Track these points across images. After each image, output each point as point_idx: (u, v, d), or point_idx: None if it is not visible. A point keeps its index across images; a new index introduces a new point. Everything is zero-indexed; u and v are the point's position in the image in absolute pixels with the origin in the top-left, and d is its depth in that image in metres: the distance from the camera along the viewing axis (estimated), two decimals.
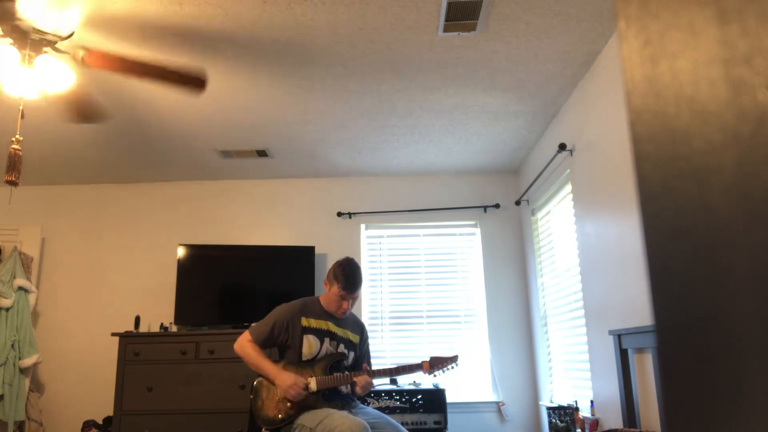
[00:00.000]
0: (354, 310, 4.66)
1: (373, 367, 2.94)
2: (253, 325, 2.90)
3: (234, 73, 3.29)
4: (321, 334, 2.83)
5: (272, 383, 2.74)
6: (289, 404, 2.71)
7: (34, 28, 2.55)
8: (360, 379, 2.74)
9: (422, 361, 2.86)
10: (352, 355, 2.92)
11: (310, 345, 2.79)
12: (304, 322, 2.83)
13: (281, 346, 2.85)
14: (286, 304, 2.92)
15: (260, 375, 2.80)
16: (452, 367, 2.88)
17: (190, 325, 4.56)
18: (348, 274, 2.83)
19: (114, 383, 4.70)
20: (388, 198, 5.08)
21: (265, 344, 2.81)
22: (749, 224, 0.34)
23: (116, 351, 4.80)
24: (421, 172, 5.05)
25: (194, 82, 2.78)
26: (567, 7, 2.74)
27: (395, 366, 2.82)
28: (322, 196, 5.10)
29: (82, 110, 3.13)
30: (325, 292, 2.92)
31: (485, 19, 2.81)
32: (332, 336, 2.85)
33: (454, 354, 2.93)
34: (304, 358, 2.78)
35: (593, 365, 3.41)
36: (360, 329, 3.04)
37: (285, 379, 2.68)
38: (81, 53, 2.66)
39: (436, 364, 2.85)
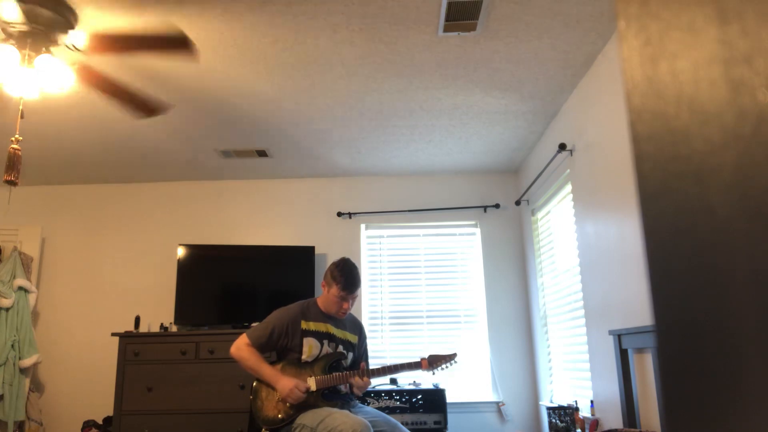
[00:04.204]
0: (354, 310, 4.67)
1: (372, 367, 2.95)
2: (251, 328, 2.89)
3: (234, 73, 3.29)
4: (320, 336, 2.83)
5: (272, 388, 2.74)
6: (288, 404, 2.71)
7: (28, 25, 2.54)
8: (357, 381, 2.74)
9: (421, 359, 2.86)
10: (350, 355, 2.92)
11: (310, 348, 2.79)
12: (304, 325, 2.82)
13: (280, 350, 2.85)
14: (285, 308, 2.90)
15: (258, 379, 2.79)
16: (451, 365, 2.89)
17: (190, 325, 4.56)
18: (346, 274, 2.82)
19: (114, 383, 4.70)
20: (388, 198, 5.08)
21: (263, 349, 2.80)
22: (749, 224, 0.34)
23: (116, 351, 4.80)
24: (421, 172, 5.05)
25: (179, 43, 2.73)
26: (567, 7, 2.74)
27: (394, 364, 2.82)
28: (322, 196, 5.10)
29: (141, 104, 3.12)
30: (323, 294, 2.91)
31: (485, 19, 2.81)
32: (331, 338, 2.85)
33: (453, 351, 2.93)
34: (303, 361, 2.78)
35: (593, 365, 3.41)
36: (358, 330, 3.04)
37: (286, 384, 2.67)
38: (85, 42, 2.66)
39: (434, 361, 2.86)
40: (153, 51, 2.75)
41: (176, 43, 2.70)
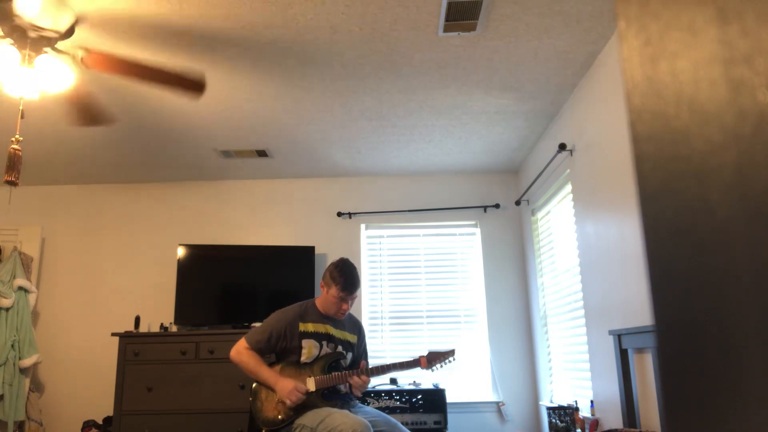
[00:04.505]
0: (354, 310, 4.66)
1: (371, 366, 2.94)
2: (250, 331, 2.89)
3: (234, 73, 3.29)
4: (319, 337, 2.83)
5: (271, 390, 2.74)
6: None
7: (32, 25, 2.54)
8: (355, 380, 2.73)
9: (420, 356, 2.85)
10: (350, 355, 2.92)
11: (309, 349, 2.79)
12: (302, 327, 2.82)
13: (280, 352, 2.85)
14: (283, 310, 2.90)
15: (258, 382, 2.79)
16: (450, 361, 2.87)
17: (190, 325, 4.56)
18: (345, 275, 2.81)
19: (114, 383, 4.70)
20: (388, 198, 5.08)
21: (262, 352, 2.80)
22: (749, 224, 0.34)
23: (116, 351, 4.80)
24: (421, 172, 5.05)
25: (193, 86, 2.77)
26: (567, 7, 2.74)
27: (392, 363, 2.81)
28: (322, 196, 5.10)
29: (87, 113, 3.13)
30: (322, 295, 2.90)
31: (485, 19, 2.81)
32: (330, 339, 2.85)
33: (451, 348, 2.93)
34: (302, 362, 2.78)
35: (593, 365, 3.41)
36: (357, 329, 3.04)
37: (285, 386, 2.67)
38: (81, 54, 2.66)
39: (433, 358, 2.84)
40: (162, 84, 2.75)
41: (191, 85, 2.72)
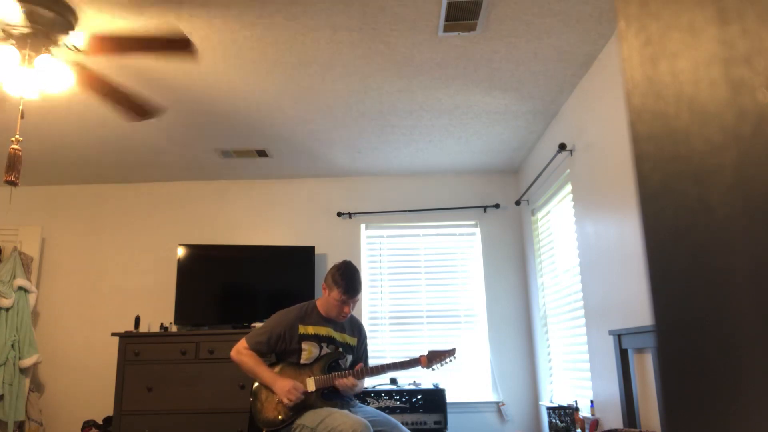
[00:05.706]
0: (354, 311, 4.66)
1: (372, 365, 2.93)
2: (251, 332, 2.89)
3: (234, 72, 3.29)
4: (319, 339, 2.83)
5: (271, 390, 2.74)
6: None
7: (8, 24, 2.53)
8: (342, 382, 2.72)
9: (420, 356, 2.85)
10: (350, 357, 2.92)
11: (309, 351, 2.79)
12: (302, 329, 2.82)
13: (279, 353, 2.85)
14: (284, 311, 2.90)
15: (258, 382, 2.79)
16: (450, 360, 2.88)
17: (190, 325, 4.56)
18: (348, 278, 2.81)
19: (114, 383, 4.70)
20: (388, 198, 5.08)
21: (262, 352, 2.80)
22: (749, 224, 0.34)
23: (116, 351, 4.80)
24: (421, 172, 5.05)
25: (179, 45, 2.73)
26: (567, 7, 2.74)
27: (393, 362, 2.81)
28: (322, 196, 5.10)
29: (136, 107, 3.13)
30: (324, 297, 2.90)
31: (485, 19, 2.81)
32: (331, 341, 2.85)
33: (452, 347, 2.92)
34: (302, 362, 2.78)
35: (593, 365, 3.41)
36: (358, 330, 3.04)
37: (283, 386, 2.67)
38: (80, 45, 2.66)
39: (433, 357, 2.84)
40: (153, 52, 2.75)
41: (177, 45, 2.70)
